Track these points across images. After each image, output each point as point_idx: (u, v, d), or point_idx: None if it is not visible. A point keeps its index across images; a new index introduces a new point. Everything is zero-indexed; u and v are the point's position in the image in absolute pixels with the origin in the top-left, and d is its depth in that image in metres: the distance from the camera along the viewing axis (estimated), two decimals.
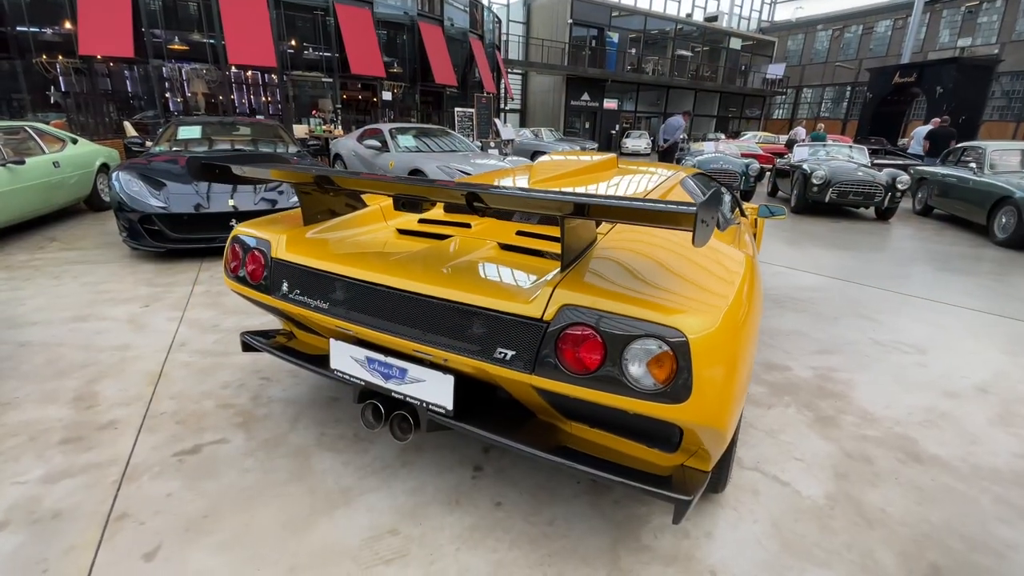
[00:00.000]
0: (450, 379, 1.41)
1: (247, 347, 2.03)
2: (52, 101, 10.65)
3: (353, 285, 1.51)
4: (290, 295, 1.65)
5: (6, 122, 5.41)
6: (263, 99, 14.17)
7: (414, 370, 1.47)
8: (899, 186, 7.29)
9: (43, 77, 10.52)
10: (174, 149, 5.48)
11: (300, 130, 11.55)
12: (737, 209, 3.55)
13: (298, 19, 12.40)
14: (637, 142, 22.45)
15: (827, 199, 7.55)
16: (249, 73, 13.75)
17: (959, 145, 7.86)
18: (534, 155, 14.12)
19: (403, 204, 1.53)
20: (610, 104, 26.99)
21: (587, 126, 26.48)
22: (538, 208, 1.25)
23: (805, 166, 7.92)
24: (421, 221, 2.08)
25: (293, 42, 12.45)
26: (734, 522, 1.67)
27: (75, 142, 6.31)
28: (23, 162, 4.89)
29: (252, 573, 1.44)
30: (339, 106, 12.79)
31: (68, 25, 10.35)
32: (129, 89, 12.09)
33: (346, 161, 8.11)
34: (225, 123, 6.25)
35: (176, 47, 11.39)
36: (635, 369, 1.14)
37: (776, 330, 3.33)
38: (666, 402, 1.12)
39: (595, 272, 1.33)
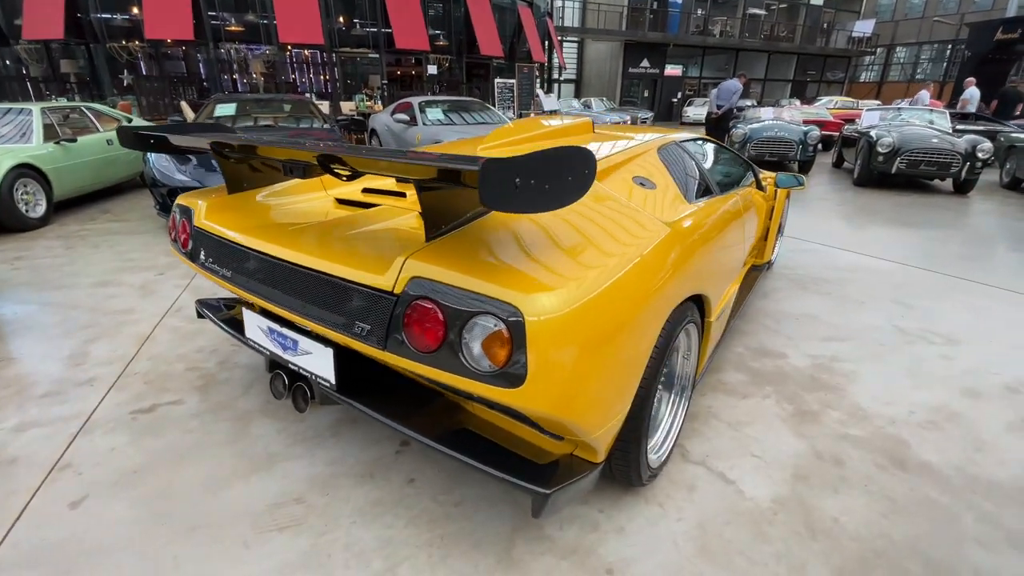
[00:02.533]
0: (329, 352, 1.37)
1: (200, 314, 2.09)
2: (125, 84, 11.51)
3: (248, 254, 1.49)
4: (206, 263, 1.66)
5: (62, 103, 5.88)
6: (318, 77, 14.59)
7: (303, 342, 1.44)
8: (980, 155, 6.36)
9: (116, 61, 11.37)
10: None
11: (347, 107, 11.80)
12: (753, 180, 3.22)
13: None
14: (700, 110, 21.06)
15: (894, 169, 6.74)
16: (307, 52, 14.17)
17: None
18: None
19: (290, 170, 1.47)
20: (672, 71, 25.46)
21: (646, 95, 25.21)
22: (374, 167, 1.14)
23: (872, 133, 7.09)
24: (365, 191, 2.02)
25: (341, 19, 12.64)
26: (655, 519, 1.54)
27: (130, 121, 6.78)
28: (75, 140, 5.31)
29: (155, 527, 1.50)
30: (385, 82, 12.91)
31: (136, 11, 11.06)
32: (192, 71, 12.81)
33: (380, 136, 8.19)
34: (259, 100, 6.47)
35: (232, 28, 11.90)
36: (475, 348, 1.04)
37: (784, 313, 3.02)
38: (502, 385, 1.01)
39: (468, 241, 1.21)
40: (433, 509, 1.58)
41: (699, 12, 25.05)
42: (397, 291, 1.14)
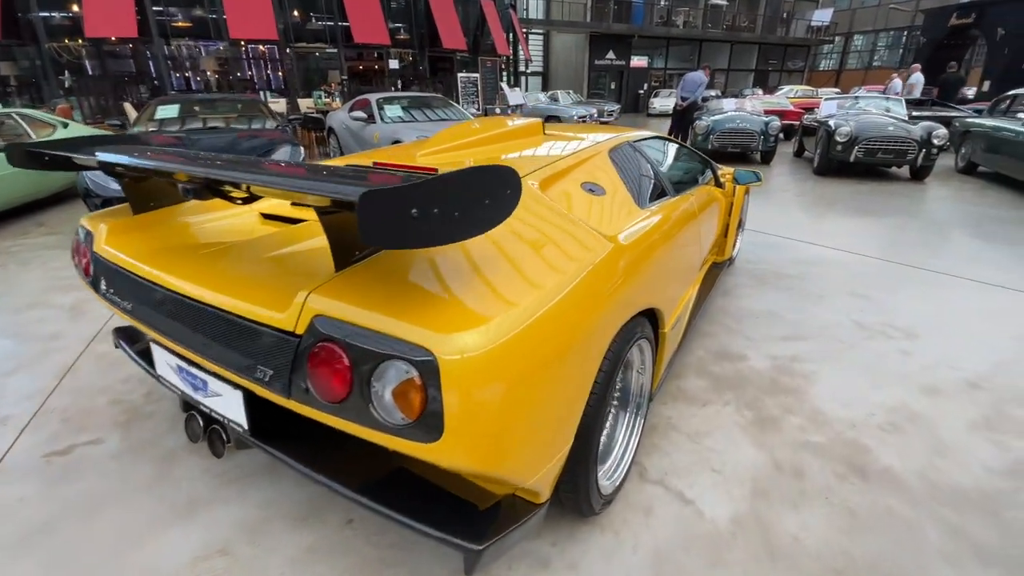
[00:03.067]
0: (239, 394, 1.22)
1: (117, 344, 1.90)
2: (67, 85, 10.87)
3: (147, 286, 1.33)
4: (107, 293, 1.49)
5: None
6: (276, 73, 14.07)
7: (212, 382, 1.29)
8: (935, 141, 6.50)
9: (56, 62, 10.73)
10: (149, 130, 5.42)
11: (305, 104, 11.42)
12: (712, 177, 3.16)
13: None
14: (666, 102, 21.21)
15: (852, 158, 6.84)
16: (263, 48, 13.64)
17: (1011, 93, 6.91)
18: (547, 120, 13.53)
19: (187, 192, 1.31)
20: (639, 62, 25.56)
21: (613, 87, 25.26)
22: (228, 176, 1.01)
23: (831, 122, 7.18)
24: (295, 204, 1.86)
25: (296, 13, 12.20)
26: (610, 551, 1.44)
27: (66, 126, 6.36)
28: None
29: None
30: (345, 77, 12.54)
31: (76, 8, 10.43)
32: (142, 70, 12.19)
33: (338, 135, 7.92)
34: (205, 100, 6.14)
35: (180, 24, 11.37)
36: (386, 397, 0.91)
37: (747, 311, 2.98)
38: (418, 440, 0.89)
39: (381, 271, 1.08)
40: (367, 552, 1.45)
41: (662, 3, 25.18)
42: (299, 331, 1.00)
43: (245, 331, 1.09)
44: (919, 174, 6.96)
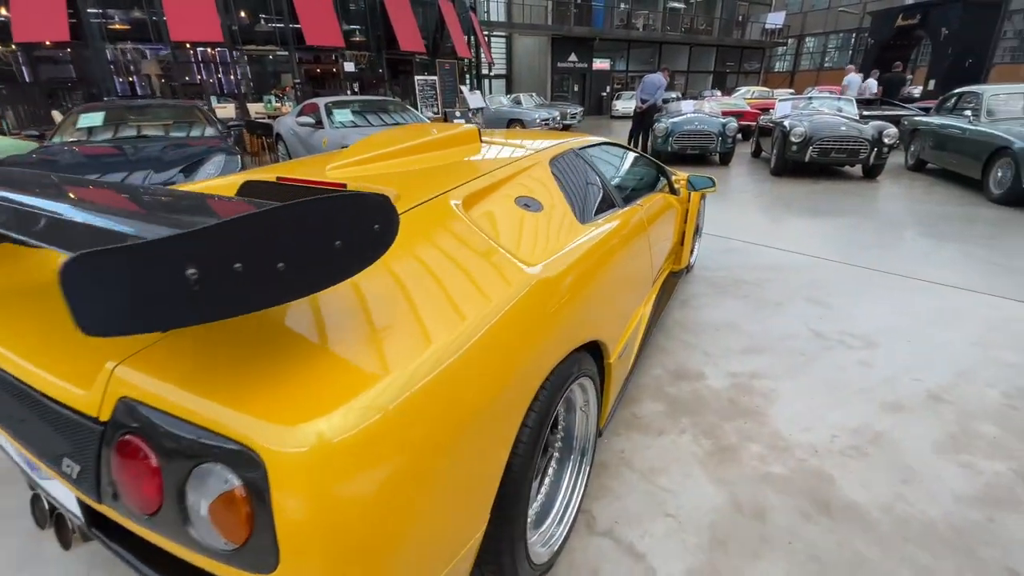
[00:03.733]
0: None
1: None
2: None
3: None
4: None
5: None
6: (225, 77, 13.46)
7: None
8: (886, 140, 6.61)
9: None
10: (68, 140, 4.98)
11: (255, 108, 10.93)
12: (666, 183, 3.02)
13: None
14: (628, 104, 21.37)
15: (807, 158, 6.89)
16: (214, 51, 13.03)
17: (957, 91, 7.11)
18: (510, 123, 13.40)
19: None
20: (601, 64, 25.72)
21: (576, 89, 25.35)
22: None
23: (786, 123, 7.23)
24: None
25: (244, 14, 11.67)
26: None
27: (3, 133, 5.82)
28: None
29: None
30: (299, 81, 12.06)
31: (4, 12, 9.68)
32: (78, 76, 11.43)
33: (286, 141, 7.54)
34: (133, 107, 5.71)
35: (118, 27, 10.71)
36: (201, 512, 0.68)
37: (705, 324, 2.84)
38: (247, 570, 0.67)
39: (225, 328, 0.84)
40: None
41: (622, 6, 25.43)
42: (103, 417, 0.76)
43: (47, 411, 0.84)
44: (871, 172, 7.07)
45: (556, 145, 2.10)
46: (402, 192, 1.43)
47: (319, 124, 6.56)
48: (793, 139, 6.88)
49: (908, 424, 1.97)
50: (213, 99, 10.84)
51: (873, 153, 6.72)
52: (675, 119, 8.60)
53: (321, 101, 6.93)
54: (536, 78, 25.11)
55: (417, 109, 10.89)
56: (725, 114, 11.48)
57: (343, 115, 6.73)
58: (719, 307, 3.04)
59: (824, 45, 31.84)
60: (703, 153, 8.37)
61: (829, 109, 8.08)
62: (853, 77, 11.16)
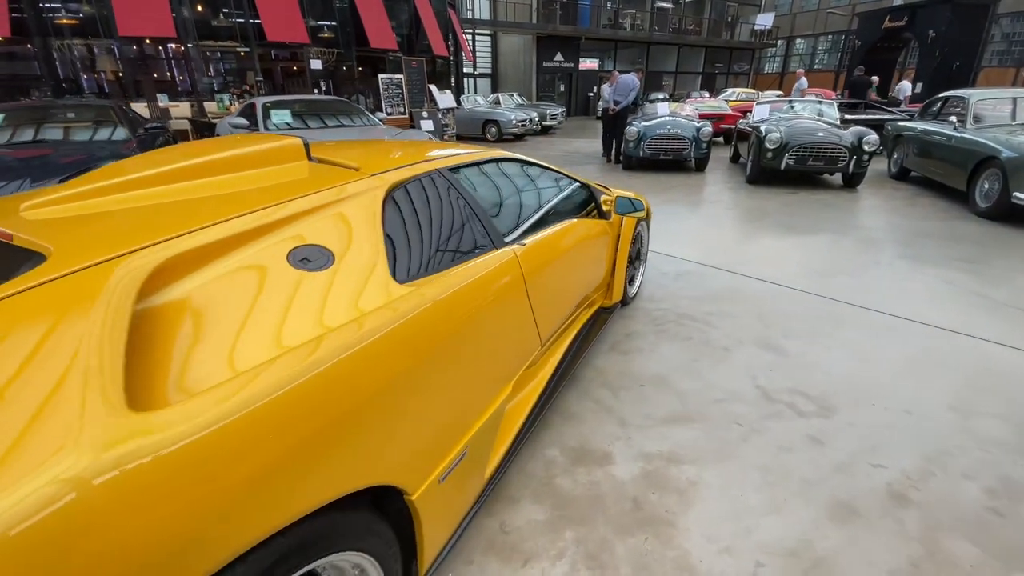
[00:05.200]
0: None
1: None
2: None
3: None
4: None
5: None
6: (186, 75, 12.84)
7: None
8: (866, 147, 6.17)
9: None
10: None
11: (211, 108, 10.35)
12: (593, 207, 2.54)
13: None
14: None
15: (783, 166, 6.44)
16: (179, 47, 12.41)
17: (942, 95, 6.68)
18: (485, 125, 12.89)
19: None
20: (589, 64, 25.24)
21: (562, 89, 24.86)
22: None
23: (762, 128, 6.77)
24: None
25: (200, 8, 11.08)
26: None
27: None
28: None
29: None
30: (259, 79, 11.48)
31: None
32: (18, 72, 10.79)
33: None
34: (37, 108, 5.17)
35: (64, 21, 10.10)
36: None
37: (631, 377, 2.34)
38: None
39: None
40: None
41: (609, 5, 24.98)
42: None
43: None
44: (851, 181, 6.63)
45: (415, 165, 1.60)
46: (61, 250, 0.92)
47: (253, 126, 6.03)
48: (768, 145, 6.43)
49: (860, 542, 1.48)
50: (164, 97, 10.24)
51: (853, 161, 6.27)
52: (648, 123, 8.12)
53: (259, 100, 6.38)
54: (522, 78, 24.60)
55: (381, 109, 10.36)
56: (703, 117, 11.08)
57: (280, 116, 6.19)
58: (653, 353, 2.55)
59: (814, 47, 31.56)
60: (676, 159, 7.90)
61: (809, 114, 7.64)
62: (802, 81, 12.56)
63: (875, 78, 11.82)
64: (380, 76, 10.35)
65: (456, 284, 1.32)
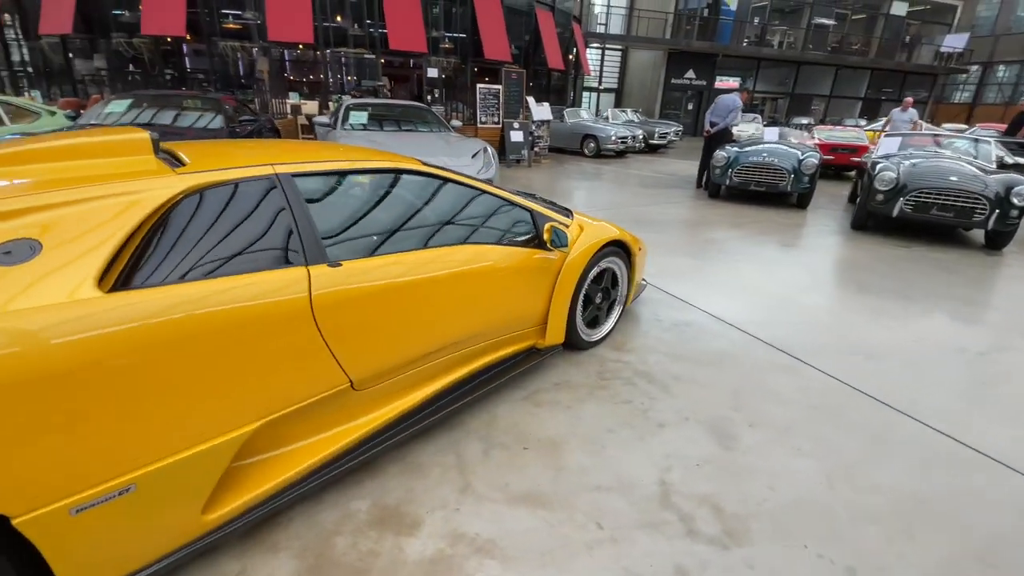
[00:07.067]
0: None
1: None
2: (129, 79, 11.80)
3: None
4: None
5: None
6: (322, 76, 14.44)
7: None
8: (1016, 200, 4.82)
9: (121, 56, 11.67)
10: (92, 121, 5.41)
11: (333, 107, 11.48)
12: (533, 235, 2.29)
13: None
14: (747, 127, 19.22)
15: (896, 212, 5.29)
16: (320, 53, 14.08)
17: None
18: (584, 139, 12.60)
19: None
20: (727, 83, 23.58)
21: (690, 107, 23.51)
22: None
23: (878, 165, 5.65)
24: None
25: (338, 18, 12.34)
26: None
27: (53, 114, 6.62)
28: None
29: None
30: (380, 83, 12.46)
31: (132, 11, 11.26)
32: (188, 68, 12.90)
33: (317, 138, 7.64)
34: (158, 97, 6.08)
35: (230, 26, 11.90)
36: None
37: (522, 436, 2.00)
38: None
39: None
40: None
41: (756, 21, 23.08)
42: None
43: None
44: (995, 241, 5.24)
45: (250, 168, 1.52)
46: None
47: (334, 125, 6.50)
48: (879, 186, 5.33)
49: None
50: (295, 95, 11.58)
51: (995, 216, 4.94)
52: (744, 148, 7.25)
53: (347, 102, 6.88)
54: (647, 94, 23.77)
55: (476, 118, 10.64)
56: (829, 147, 9.73)
57: (358, 118, 6.60)
58: (569, 412, 2.17)
59: (1018, 75, 26.03)
60: (770, 191, 6.93)
61: (954, 152, 6.22)
62: (911, 111, 9.13)
63: None
64: (479, 86, 10.62)
65: (190, 298, 1.21)
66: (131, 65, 12.00)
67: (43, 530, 1.02)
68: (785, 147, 7.11)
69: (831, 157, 10.16)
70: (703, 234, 5.41)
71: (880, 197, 5.35)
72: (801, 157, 6.70)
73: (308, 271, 1.44)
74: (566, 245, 2.27)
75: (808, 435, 2.09)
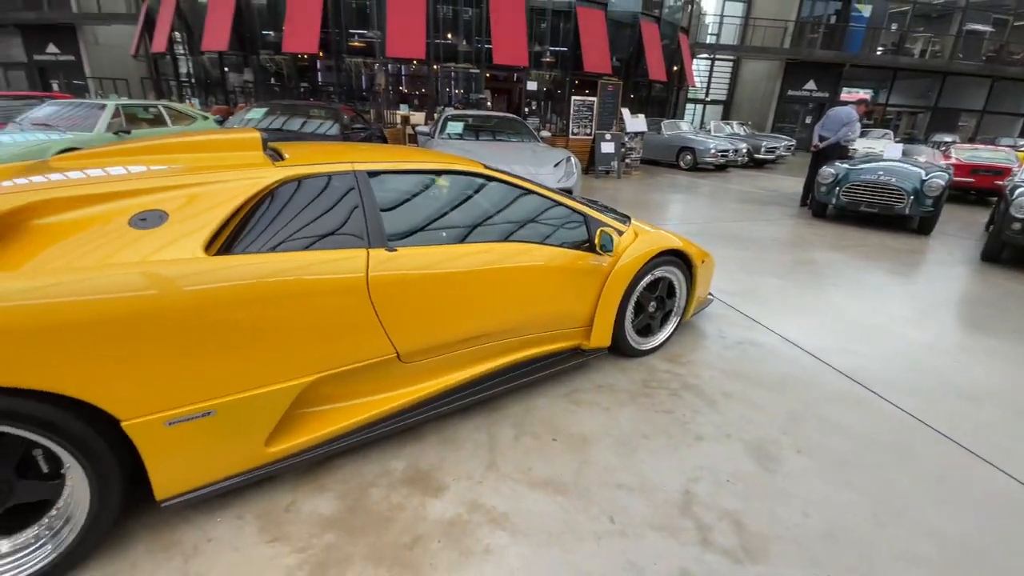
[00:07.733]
0: None
1: None
2: (270, 91, 13.54)
3: None
4: None
5: (141, 101, 7.00)
6: (434, 91, 15.43)
7: None
8: None
9: (266, 70, 13.44)
10: (234, 127, 6.35)
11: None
12: (587, 240, 2.39)
13: (455, 10, 12.99)
14: (875, 143, 17.35)
15: None
16: (435, 68, 15.15)
17: None
18: (680, 152, 12.23)
19: None
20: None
21: (807, 121, 21.75)
22: None
23: (1020, 189, 4.92)
24: None
25: (450, 35, 13.16)
26: None
27: (206, 119, 7.85)
28: (129, 132, 6.25)
29: None
30: (482, 96, 13.09)
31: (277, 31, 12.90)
32: (319, 82, 14.42)
33: (419, 146, 8.25)
34: (288, 106, 6.97)
35: (355, 44, 13.18)
36: None
37: (553, 429, 2.09)
38: None
39: None
40: None
41: (893, 27, 20.84)
42: None
43: None
44: None
45: (334, 164, 1.81)
46: None
47: (433, 133, 6.99)
48: (1016, 213, 4.65)
49: None
50: (404, 107, 12.53)
51: None
52: (857, 165, 6.64)
53: (447, 113, 7.37)
54: (758, 107, 22.40)
55: (568, 129, 10.80)
56: (964, 168, 8.62)
57: (455, 127, 7.03)
58: (606, 414, 2.22)
59: None
60: (885, 214, 6.26)
61: None
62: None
63: None
64: (573, 97, 10.77)
65: (272, 265, 1.48)
66: (273, 79, 13.72)
67: (144, 434, 1.32)
68: (907, 165, 6.41)
69: (971, 180, 8.94)
70: (795, 254, 5.07)
71: (1017, 226, 4.66)
72: (925, 177, 6.00)
73: (368, 253, 1.67)
74: (612, 250, 2.32)
75: (864, 469, 1.94)
